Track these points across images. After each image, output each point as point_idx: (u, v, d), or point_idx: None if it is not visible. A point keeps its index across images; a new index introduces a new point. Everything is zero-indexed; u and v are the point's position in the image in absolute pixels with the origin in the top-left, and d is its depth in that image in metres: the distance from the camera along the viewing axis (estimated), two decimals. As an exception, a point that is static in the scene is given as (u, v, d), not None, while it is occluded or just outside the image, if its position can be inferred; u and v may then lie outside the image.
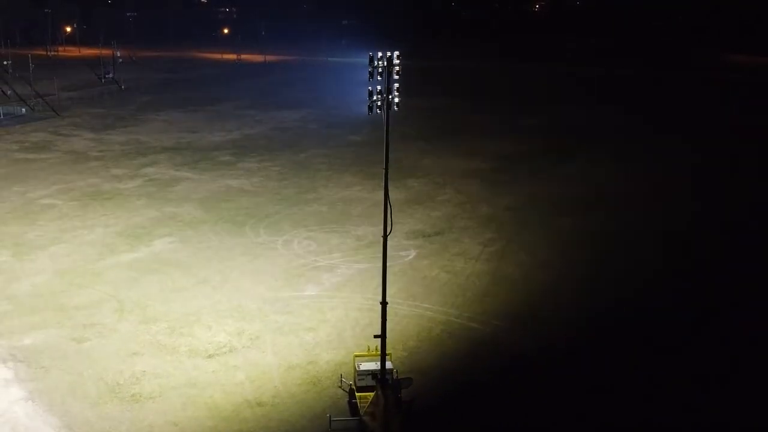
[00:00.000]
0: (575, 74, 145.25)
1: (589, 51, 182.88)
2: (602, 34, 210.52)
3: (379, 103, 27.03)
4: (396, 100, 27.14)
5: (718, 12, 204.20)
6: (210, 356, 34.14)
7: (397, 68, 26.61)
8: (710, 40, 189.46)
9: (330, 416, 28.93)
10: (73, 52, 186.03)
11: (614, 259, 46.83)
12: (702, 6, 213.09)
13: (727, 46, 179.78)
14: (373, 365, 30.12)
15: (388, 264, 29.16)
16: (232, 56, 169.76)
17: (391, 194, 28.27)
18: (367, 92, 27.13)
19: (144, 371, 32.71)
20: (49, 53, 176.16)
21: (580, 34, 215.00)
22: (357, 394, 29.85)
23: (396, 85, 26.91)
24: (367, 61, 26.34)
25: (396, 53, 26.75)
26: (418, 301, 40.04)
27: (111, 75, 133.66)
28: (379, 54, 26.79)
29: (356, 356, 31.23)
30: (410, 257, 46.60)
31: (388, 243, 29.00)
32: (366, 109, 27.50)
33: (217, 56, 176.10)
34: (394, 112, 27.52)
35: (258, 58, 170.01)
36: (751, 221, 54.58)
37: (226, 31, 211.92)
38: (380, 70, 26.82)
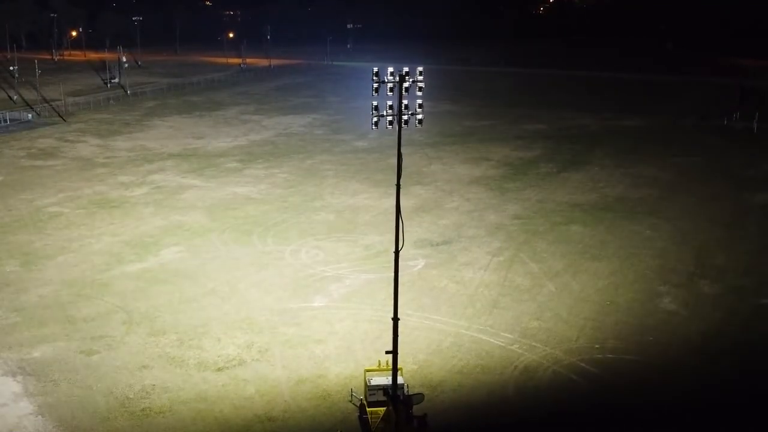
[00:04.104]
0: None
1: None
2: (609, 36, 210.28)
3: (390, 119, 26.79)
4: (420, 116, 26.87)
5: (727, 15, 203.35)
6: (219, 369, 34.03)
7: (420, 84, 26.29)
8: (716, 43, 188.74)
9: (341, 432, 28.82)
10: (78, 56, 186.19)
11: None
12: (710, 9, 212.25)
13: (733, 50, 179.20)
14: (384, 380, 29.95)
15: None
16: (237, 60, 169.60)
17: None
18: (372, 106, 26.74)
19: (153, 385, 32.61)
20: (55, 58, 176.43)
21: (586, 35, 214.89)
22: (368, 409, 29.69)
23: (419, 101, 26.59)
24: (370, 65, 26.06)
25: (419, 69, 26.43)
26: (428, 313, 39.89)
27: (117, 80, 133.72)
28: (390, 69, 26.56)
29: (367, 371, 31.05)
30: (418, 267, 46.46)
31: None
32: (372, 124, 27.20)
33: (222, 60, 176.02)
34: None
35: (263, 62, 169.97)
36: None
37: (231, 35, 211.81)
38: (391, 85, 26.57)
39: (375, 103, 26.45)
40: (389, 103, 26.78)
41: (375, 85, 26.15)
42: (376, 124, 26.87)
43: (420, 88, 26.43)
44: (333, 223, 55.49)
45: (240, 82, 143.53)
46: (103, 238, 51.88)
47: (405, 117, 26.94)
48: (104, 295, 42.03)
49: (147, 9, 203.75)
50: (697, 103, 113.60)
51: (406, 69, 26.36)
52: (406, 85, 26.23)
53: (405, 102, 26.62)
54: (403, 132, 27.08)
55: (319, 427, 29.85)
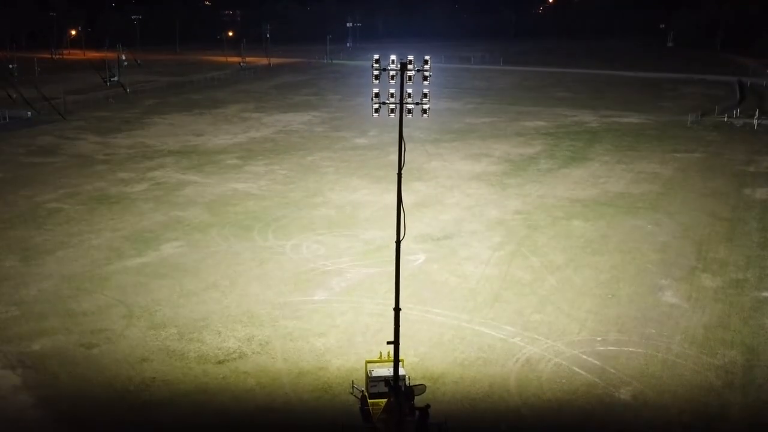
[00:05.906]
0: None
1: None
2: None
3: (392, 107, 26.62)
4: (426, 106, 26.70)
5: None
6: (220, 362, 33.87)
7: (427, 73, 26.12)
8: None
9: (343, 424, 28.62)
10: (78, 55, 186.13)
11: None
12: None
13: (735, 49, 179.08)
14: (386, 371, 29.80)
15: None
16: (237, 59, 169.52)
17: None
18: (373, 93, 26.56)
19: (154, 378, 32.45)
20: (54, 56, 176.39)
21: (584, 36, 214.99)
22: (369, 400, 29.53)
23: (425, 91, 26.43)
24: (370, 63, 25.89)
25: (426, 57, 26.29)
26: (429, 306, 39.75)
27: (116, 78, 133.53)
28: (392, 57, 26.43)
29: (368, 362, 30.92)
30: (419, 261, 46.32)
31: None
32: (373, 110, 27.03)
33: (222, 59, 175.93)
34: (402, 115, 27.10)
35: (263, 60, 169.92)
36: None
37: (230, 34, 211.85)
38: (393, 73, 26.41)
39: (376, 90, 26.25)
40: (392, 91, 26.56)
41: (375, 73, 25.97)
42: (377, 111, 26.69)
43: (425, 77, 26.21)
44: (333, 218, 55.35)
45: (240, 81, 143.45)
46: (102, 233, 51.72)
47: (410, 106, 26.75)
48: (104, 289, 41.86)
49: (147, 8, 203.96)
50: (698, 100, 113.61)
51: (410, 57, 26.19)
52: (410, 73, 26.07)
53: (409, 91, 26.45)
54: (402, 129, 26.92)
55: (320, 419, 29.69)
